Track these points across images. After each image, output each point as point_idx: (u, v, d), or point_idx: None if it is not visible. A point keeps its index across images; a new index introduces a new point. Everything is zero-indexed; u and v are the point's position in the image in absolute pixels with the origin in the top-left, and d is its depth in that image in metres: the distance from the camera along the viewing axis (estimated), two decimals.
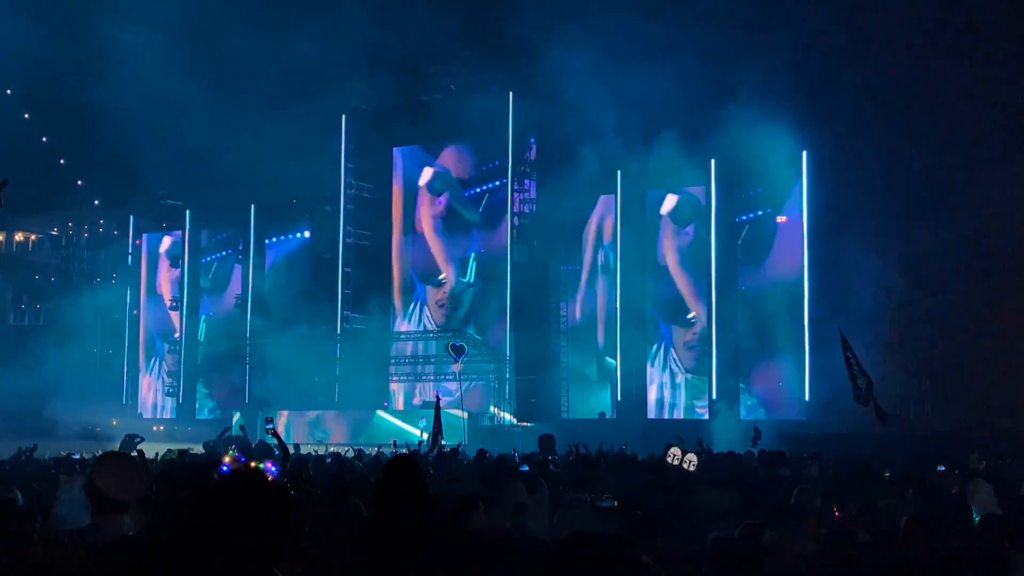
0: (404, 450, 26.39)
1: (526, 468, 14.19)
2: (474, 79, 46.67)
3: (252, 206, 52.84)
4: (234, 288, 53.48)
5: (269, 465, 12.07)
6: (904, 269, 36.40)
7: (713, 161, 42.81)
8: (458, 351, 43.37)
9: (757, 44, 37.65)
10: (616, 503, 6.68)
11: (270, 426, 12.82)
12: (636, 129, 40.84)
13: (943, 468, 14.54)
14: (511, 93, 45.80)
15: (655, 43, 37.88)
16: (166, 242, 56.06)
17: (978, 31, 35.55)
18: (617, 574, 3.59)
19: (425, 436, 32.49)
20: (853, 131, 38.16)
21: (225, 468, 7.78)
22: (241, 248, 53.28)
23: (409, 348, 48.90)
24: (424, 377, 47.72)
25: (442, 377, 46.02)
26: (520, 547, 7.16)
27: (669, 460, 14.11)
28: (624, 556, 3.65)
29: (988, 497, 10.39)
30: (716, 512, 8.73)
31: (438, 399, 21.92)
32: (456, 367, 43.50)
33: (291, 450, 16.86)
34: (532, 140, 46.30)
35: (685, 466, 13.65)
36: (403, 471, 5.93)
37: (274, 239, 53.69)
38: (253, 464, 10.78)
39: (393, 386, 48.75)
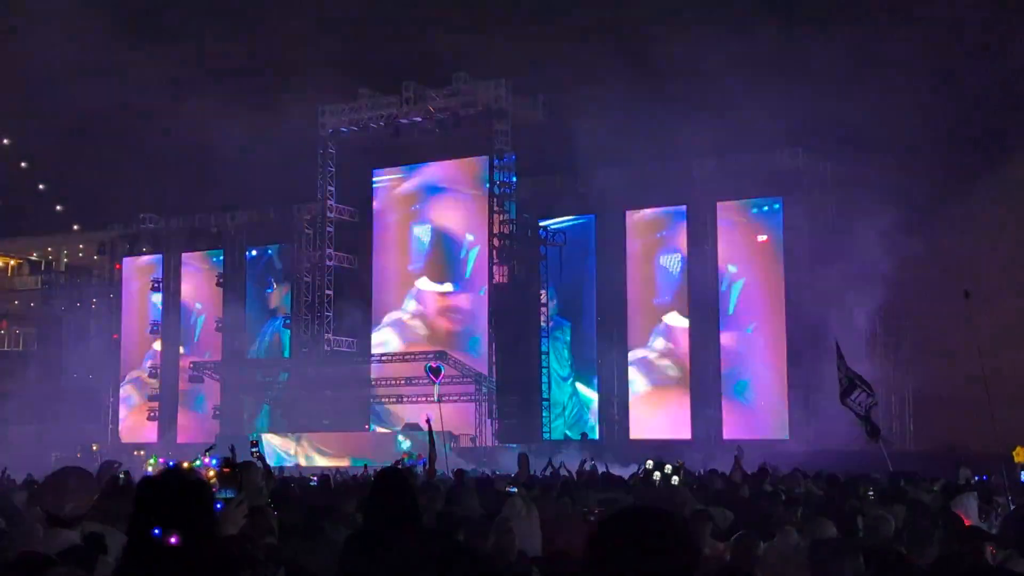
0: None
1: (514, 490, 14.15)
2: (455, 101, 46.86)
3: (232, 230, 52.76)
4: (214, 311, 53.25)
5: (207, 460, 12.06)
6: (889, 286, 36.52)
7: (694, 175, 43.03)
8: (435, 372, 43.26)
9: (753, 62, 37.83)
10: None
11: (255, 449, 12.75)
12: (616, 149, 40.98)
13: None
14: (492, 115, 45.86)
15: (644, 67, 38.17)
16: (145, 266, 55.82)
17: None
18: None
19: (407, 457, 32.41)
20: (839, 150, 38.46)
21: (148, 473, 7.95)
22: (222, 271, 53.09)
23: (390, 370, 48.75)
24: (406, 399, 47.64)
25: (423, 398, 45.91)
26: (511, 560, 7.16)
27: (655, 476, 14.17)
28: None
29: (974, 511, 10.54)
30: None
31: (429, 423, 21.64)
32: (434, 388, 43.39)
33: (275, 473, 16.78)
34: (512, 159, 46.31)
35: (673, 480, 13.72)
36: (391, 484, 5.88)
37: (255, 261, 53.57)
38: (186, 464, 10.81)
39: (375, 407, 48.69)
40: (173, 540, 3.93)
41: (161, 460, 25.94)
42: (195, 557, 3.92)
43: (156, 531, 3.92)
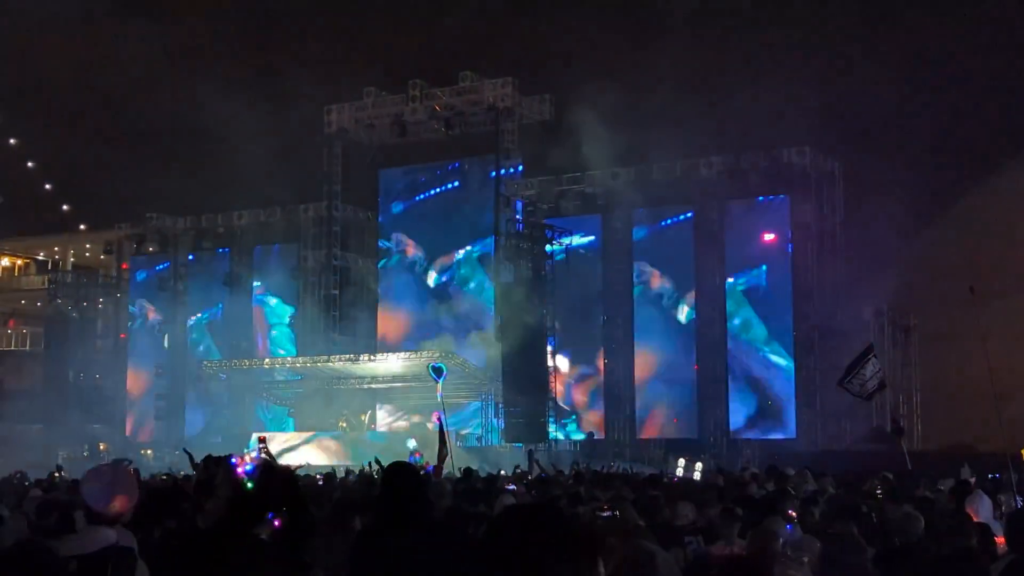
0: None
1: (512, 488, 14.21)
2: (461, 99, 46.85)
3: (239, 229, 52.71)
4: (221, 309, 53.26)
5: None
6: (896, 283, 36.45)
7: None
8: (438, 372, 43.20)
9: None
10: (617, 512, 6.68)
11: (263, 445, 12.80)
12: (623, 148, 40.96)
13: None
14: (499, 113, 45.85)
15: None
16: (152, 266, 55.77)
17: None
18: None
19: (418, 455, 32.40)
20: (855, 148, 38.41)
21: (251, 467, 8.93)
22: (228, 271, 53.05)
23: (396, 369, 48.69)
24: (412, 398, 47.63)
25: (430, 397, 45.83)
26: None
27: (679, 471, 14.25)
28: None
29: (988, 509, 10.50)
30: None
31: (440, 421, 21.58)
32: (439, 387, 43.31)
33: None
34: (519, 158, 46.28)
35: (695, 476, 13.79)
36: (403, 478, 5.84)
37: (262, 261, 53.51)
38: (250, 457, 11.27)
39: (381, 405, 48.72)
40: (277, 523, 4.71)
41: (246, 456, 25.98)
42: (290, 547, 4.64)
43: (270, 515, 4.69)
